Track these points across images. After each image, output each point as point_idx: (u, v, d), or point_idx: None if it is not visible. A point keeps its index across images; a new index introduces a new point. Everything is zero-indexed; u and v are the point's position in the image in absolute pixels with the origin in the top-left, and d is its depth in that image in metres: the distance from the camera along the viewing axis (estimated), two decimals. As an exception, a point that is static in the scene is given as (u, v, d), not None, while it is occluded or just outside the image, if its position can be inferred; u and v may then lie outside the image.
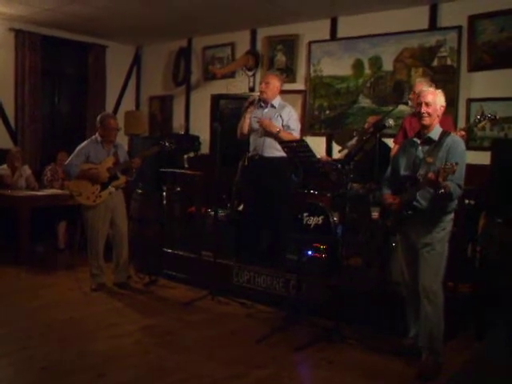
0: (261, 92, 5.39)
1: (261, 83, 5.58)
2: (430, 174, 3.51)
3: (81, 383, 3.47)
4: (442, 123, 3.86)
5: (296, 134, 5.36)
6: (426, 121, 3.74)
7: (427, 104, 3.72)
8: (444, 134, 3.74)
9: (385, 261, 4.71)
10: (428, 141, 3.76)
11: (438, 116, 3.77)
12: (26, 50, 7.84)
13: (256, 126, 5.34)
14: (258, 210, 5.51)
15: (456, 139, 3.75)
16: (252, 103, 5.39)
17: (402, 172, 3.85)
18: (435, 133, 3.75)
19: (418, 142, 3.81)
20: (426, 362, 3.74)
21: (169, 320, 4.70)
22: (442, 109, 3.79)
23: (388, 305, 4.41)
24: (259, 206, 5.47)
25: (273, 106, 5.39)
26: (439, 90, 3.87)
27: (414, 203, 3.70)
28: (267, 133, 5.25)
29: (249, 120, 5.40)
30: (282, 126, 5.28)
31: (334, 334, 4.28)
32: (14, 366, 3.67)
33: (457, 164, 3.41)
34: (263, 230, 5.55)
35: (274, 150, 5.20)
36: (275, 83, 5.39)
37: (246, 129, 5.42)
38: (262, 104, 5.41)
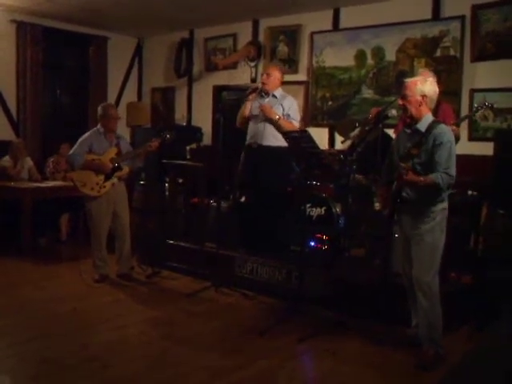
0: (262, 83, 5.38)
1: (262, 74, 5.58)
2: (398, 174, 3.55)
3: (85, 374, 3.48)
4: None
5: (296, 124, 5.35)
6: (405, 113, 3.70)
7: (403, 97, 3.66)
8: (432, 125, 3.61)
9: (387, 252, 4.71)
10: (416, 132, 3.68)
11: (420, 106, 3.63)
12: (27, 42, 7.82)
13: (256, 112, 5.33)
14: (258, 201, 5.50)
15: (441, 130, 3.58)
16: (254, 90, 5.38)
17: (397, 161, 3.79)
18: (423, 124, 3.64)
19: (408, 131, 3.77)
20: (426, 352, 3.73)
21: (172, 311, 4.70)
22: (426, 98, 3.63)
23: (390, 295, 4.41)
24: (260, 197, 5.47)
25: (274, 96, 5.38)
26: (429, 79, 3.74)
27: (403, 194, 3.66)
28: (267, 120, 5.24)
29: (250, 106, 5.39)
30: (283, 115, 5.27)
31: (337, 324, 4.29)
32: (17, 358, 3.68)
33: (415, 148, 3.45)
34: (265, 221, 5.54)
35: (273, 139, 5.18)
36: (276, 75, 5.38)
37: (246, 113, 5.40)
38: (263, 94, 5.40)
